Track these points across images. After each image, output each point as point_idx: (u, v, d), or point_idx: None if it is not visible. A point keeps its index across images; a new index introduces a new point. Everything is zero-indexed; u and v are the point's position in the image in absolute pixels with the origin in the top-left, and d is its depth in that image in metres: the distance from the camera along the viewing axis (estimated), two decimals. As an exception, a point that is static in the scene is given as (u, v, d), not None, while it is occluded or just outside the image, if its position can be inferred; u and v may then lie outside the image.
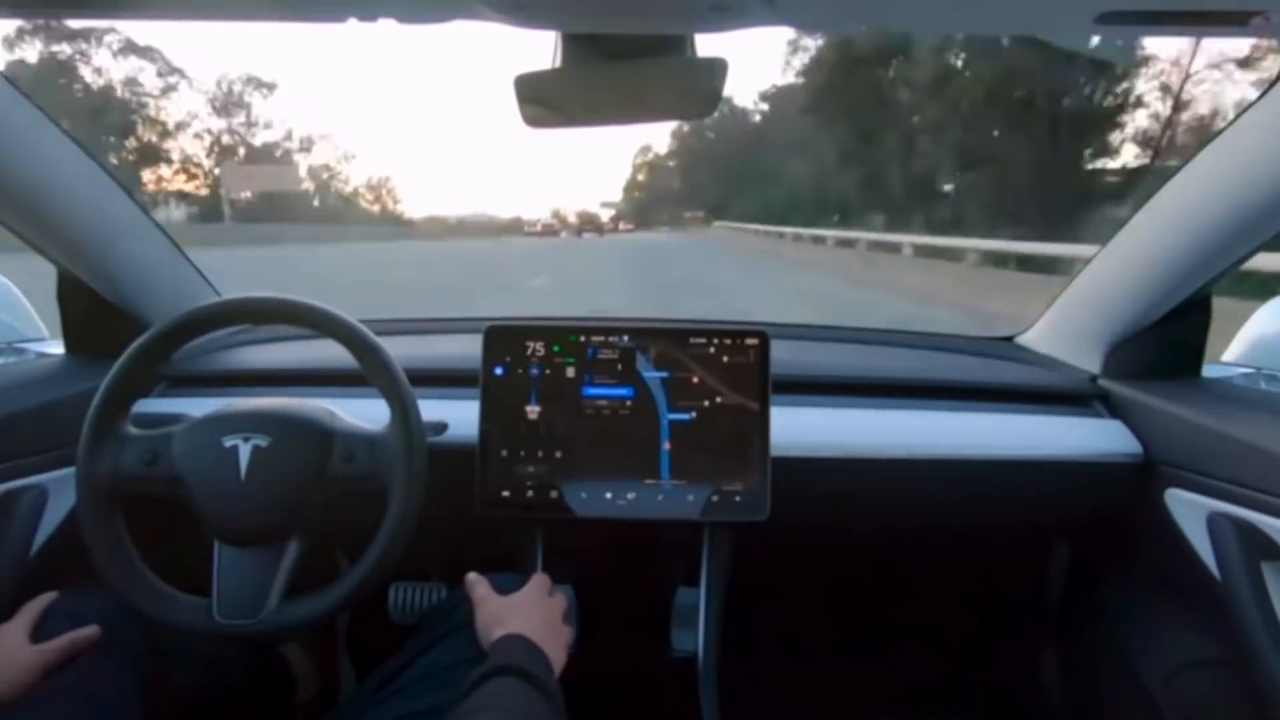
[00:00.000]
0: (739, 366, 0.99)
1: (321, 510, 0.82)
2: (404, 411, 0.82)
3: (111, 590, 0.78)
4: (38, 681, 0.72)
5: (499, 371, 1.00)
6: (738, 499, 0.98)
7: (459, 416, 0.98)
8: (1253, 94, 0.83)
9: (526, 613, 0.79)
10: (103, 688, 0.75)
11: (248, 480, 0.79)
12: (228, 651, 0.94)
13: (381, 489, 0.81)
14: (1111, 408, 1.10)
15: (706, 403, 0.99)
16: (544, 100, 0.76)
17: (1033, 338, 1.30)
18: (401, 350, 0.86)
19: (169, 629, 0.79)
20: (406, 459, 0.80)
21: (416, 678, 0.79)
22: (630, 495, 0.98)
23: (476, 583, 0.84)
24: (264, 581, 0.79)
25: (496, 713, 0.64)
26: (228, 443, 0.80)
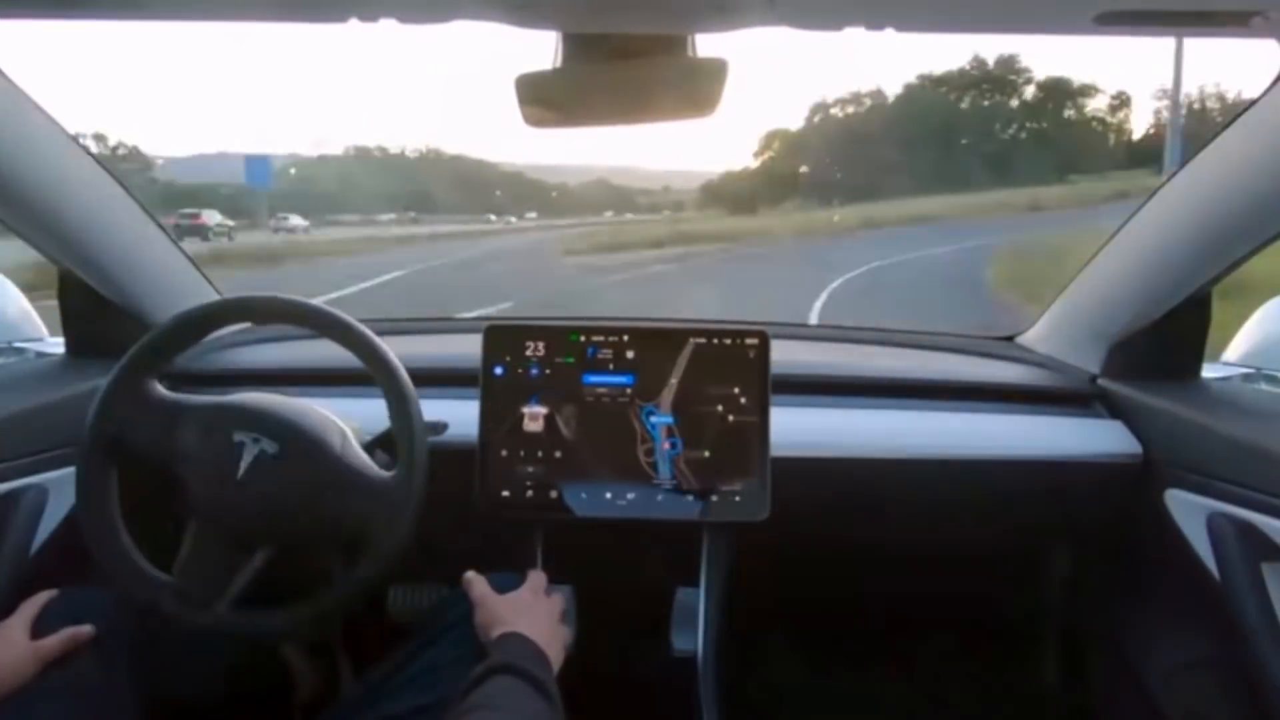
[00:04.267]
0: (739, 366, 0.99)
1: (301, 527, 0.81)
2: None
3: (92, 555, 0.79)
4: (35, 679, 0.72)
5: (499, 371, 1.00)
6: (738, 499, 0.98)
7: (459, 416, 0.98)
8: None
9: (524, 612, 0.79)
10: (100, 686, 0.75)
11: (242, 481, 0.78)
12: (226, 651, 0.94)
13: (361, 538, 0.79)
14: (1111, 408, 1.10)
15: (706, 402, 0.99)
16: (544, 101, 0.76)
17: (1033, 337, 1.30)
18: (401, 350, 0.86)
19: (125, 597, 0.79)
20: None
21: (414, 676, 0.79)
22: (630, 495, 0.98)
23: (474, 581, 0.84)
24: (223, 578, 0.79)
25: (495, 711, 0.64)
26: (237, 437, 0.80)
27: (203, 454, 0.80)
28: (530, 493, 0.99)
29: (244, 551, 0.80)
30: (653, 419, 0.99)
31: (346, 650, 1.18)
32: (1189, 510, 0.95)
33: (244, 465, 0.79)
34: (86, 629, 0.76)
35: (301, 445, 0.80)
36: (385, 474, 0.82)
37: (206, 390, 1.10)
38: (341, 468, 0.81)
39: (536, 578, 0.88)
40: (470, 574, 0.85)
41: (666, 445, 0.99)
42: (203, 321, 0.88)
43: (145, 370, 0.84)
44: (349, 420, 0.88)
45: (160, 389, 0.85)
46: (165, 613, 0.78)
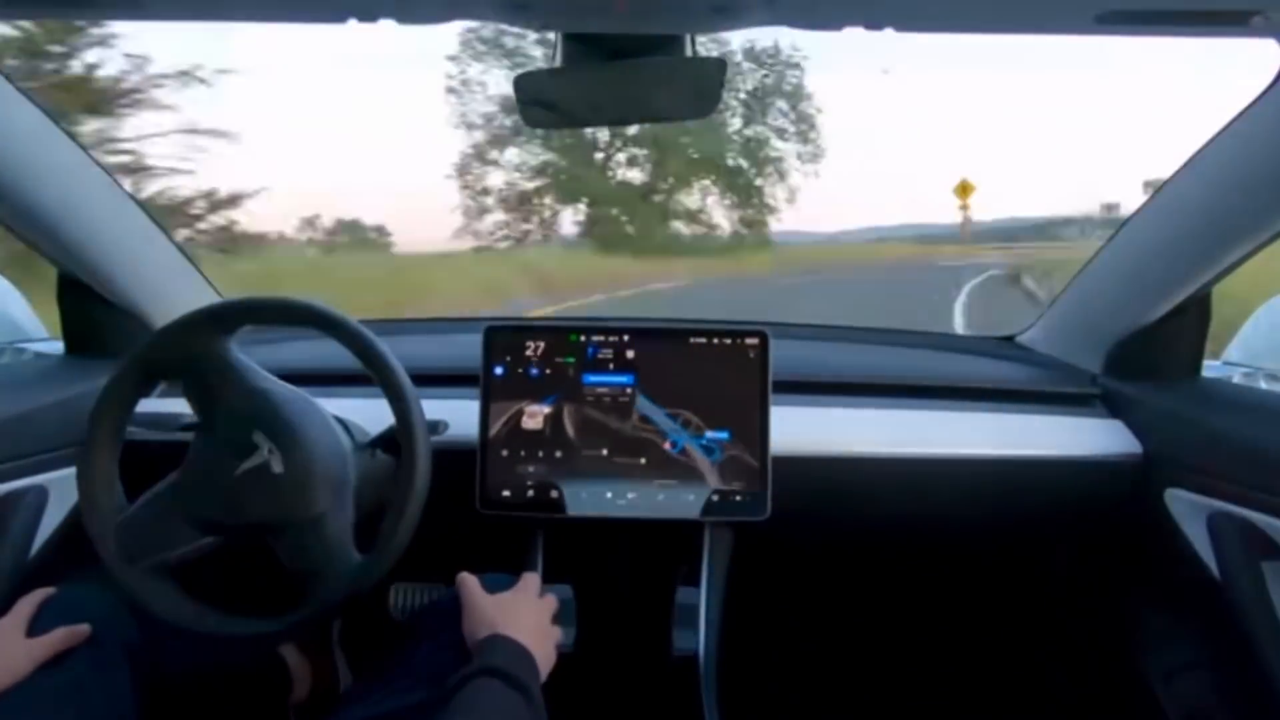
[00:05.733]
0: (739, 366, 0.99)
1: (253, 541, 0.80)
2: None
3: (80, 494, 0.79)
4: (31, 677, 0.72)
5: (499, 371, 1.00)
6: (738, 499, 0.98)
7: (459, 416, 0.98)
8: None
9: (514, 613, 0.78)
10: (96, 684, 0.75)
11: (235, 479, 0.78)
12: (224, 649, 0.94)
13: (299, 583, 0.78)
14: (1112, 407, 1.10)
15: (706, 402, 0.99)
16: (544, 100, 0.76)
17: (1033, 337, 1.30)
18: (401, 350, 0.86)
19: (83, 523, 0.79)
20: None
21: (405, 674, 0.78)
22: (630, 495, 0.98)
23: (466, 582, 0.83)
24: (161, 544, 0.78)
25: (476, 714, 0.64)
26: (256, 438, 0.79)
27: (217, 432, 0.80)
28: (530, 492, 0.99)
29: (195, 531, 0.79)
30: (654, 419, 0.99)
31: (346, 649, 1.18)
32: (1189, 509, 0.95)
33: (245, 466, 0.79)
34: (83, 628, 0.76)
35: (304, 482, 0.79)
36: (355, 556, 0.79)
37: None
38: (321, 532, 0.79)
39: (529, 579, 0.87)
40: (463, 574, 0.85)
41: (667, 444, 0.99)
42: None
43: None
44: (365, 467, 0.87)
45: (233, 346, 0.84)
46: (99, 550, 0.78)
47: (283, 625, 0.78)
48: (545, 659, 0.76)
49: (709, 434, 0.99)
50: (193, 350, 0.82)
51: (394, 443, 0.84)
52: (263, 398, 0.81)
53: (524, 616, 0.79)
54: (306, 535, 0.78)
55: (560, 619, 0.85)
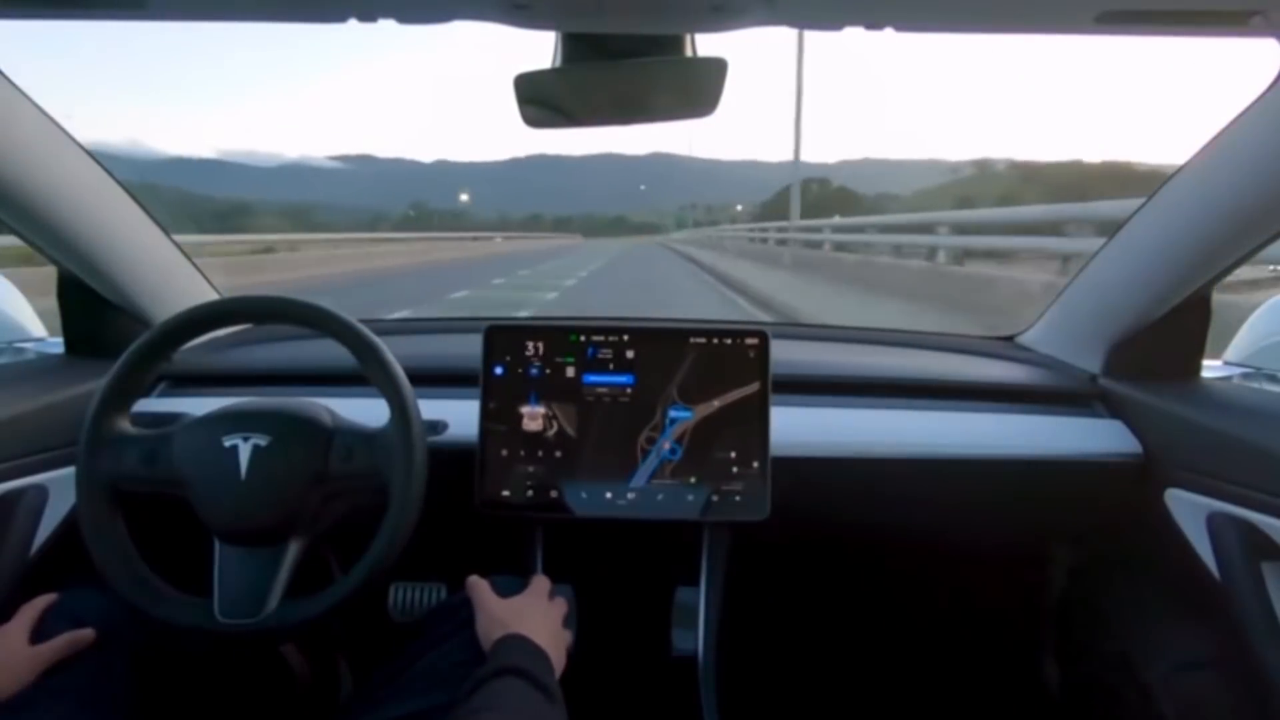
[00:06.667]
0: (739, 366, 0.99)
1: (321, 509, 0.82)
2: (403, 409, 0.81)
3: (116, 592, 0.78)
4: (36, 682, 0.72)
5: (499, 371, 1.00)
6: (737, 499, 0.98)
7: (459, 416, 0.98)
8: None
9: (527, 615, 0.79)
10: (101, 689, 0.75)
11: (248, 480, 0.79)
12: (227, 652, 0.94)
13: (381, 486, 0.81)
14: (1111, 407, 1.10)
15: (706, 402, 0.99)
16: (543, 100, 0.76)
17: (1033, 337, 1.30)
18: (401, 350, 0.86)
19: (174, 630, 0.79)
20: (406, 456, 0.80)
21: (416, 678, 0.78)
22: (630, 495, 0.98)
23: (477, 585, 0.84)
24: (265, 581, 0.79)
25: (500, 713, 0.64)
26: (228, 442, 0.80)
27: (200, 468, 0.81)
28: (530, 493, 0.99)
29: (274, 550, 0.80)
30: (652, 418, 0.99)
31: (346, 650, 1.18)
32: (1189, 510, 0.95)
33: (244, 464, 0.79)
34: (87, 632, 0.76)
35: (291, 427, 0.82)
36: (381, 425, 0.83)
37: (206, 391, 1.10)
38: (337, 432, 0.83)
39: (539, 581, 0.88)
40: (473, 578, 0.85)
41: (666, 444, 0.99)
42: (203, 321, 0.88)
43: (122, 402, 0.84)
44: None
45: (131, 429, 0.84)
46: (221, 631, 0.78)
47: (298, 617, 0.79)
48: (558, 661, 0.77)
49: (708, 434, 0.99)
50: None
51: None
52: (200, 421, 0.83)
53: (537, 619, 0.79)
54: (339, 439, 0.82)
55: (564, 622, 0.85)
